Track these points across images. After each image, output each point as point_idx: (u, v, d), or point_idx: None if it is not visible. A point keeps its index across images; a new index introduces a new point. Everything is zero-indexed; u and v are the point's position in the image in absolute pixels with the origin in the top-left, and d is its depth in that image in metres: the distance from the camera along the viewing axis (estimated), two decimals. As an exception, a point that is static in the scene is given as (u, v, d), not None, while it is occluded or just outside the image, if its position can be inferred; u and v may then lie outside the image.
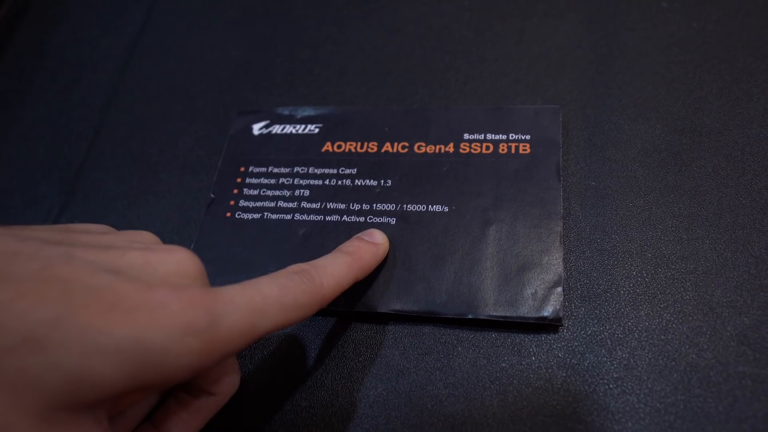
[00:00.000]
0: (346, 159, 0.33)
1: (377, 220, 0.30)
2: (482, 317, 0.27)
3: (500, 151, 0.31)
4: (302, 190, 0.32)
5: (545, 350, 0.26)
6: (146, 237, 0.22)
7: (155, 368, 0.17)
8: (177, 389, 0.24)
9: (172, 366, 0.17)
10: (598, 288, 0.27)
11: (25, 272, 0.16)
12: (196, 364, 0.18)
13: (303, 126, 0.34)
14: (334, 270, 0.24)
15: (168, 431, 0.23)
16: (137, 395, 0.20)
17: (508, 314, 0.26)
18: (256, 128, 0.35)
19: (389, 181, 0.31)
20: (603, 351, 0.26)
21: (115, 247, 0.20)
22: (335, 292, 0.24)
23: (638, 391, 0.25)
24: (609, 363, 0.26)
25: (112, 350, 0.16)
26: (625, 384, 0.25)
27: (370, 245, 0.27)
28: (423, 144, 0.32)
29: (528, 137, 0.31)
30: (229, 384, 0.24)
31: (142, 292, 0.18)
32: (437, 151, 0.32)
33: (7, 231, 0.18)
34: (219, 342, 0.18)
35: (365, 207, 0.31)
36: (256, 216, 0.32)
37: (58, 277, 0.17)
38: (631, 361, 0.25)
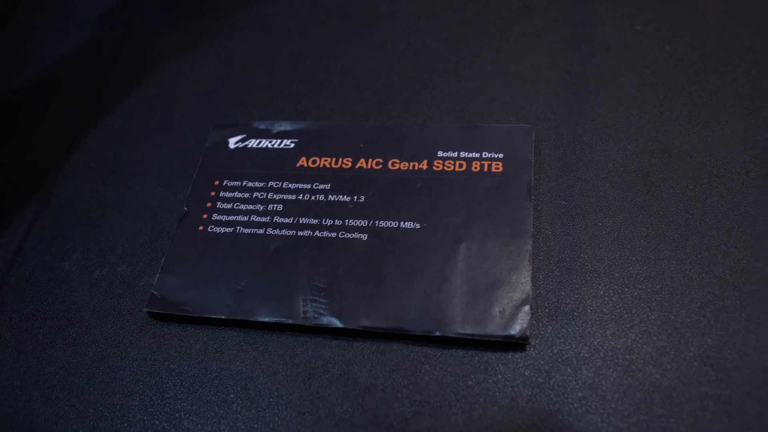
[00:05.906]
0: (321, 174, 0.33)
1: (349, 236, 0.30)
2: (450, 335, 0.27)
3: (473, 169, 0.31)
4: (275, 205, 0.32)
5: (512, 369, 0.26)
6: None
7: None
8: None
9: None
10: (566, 307, 0.28)
11: None
12: None
13: (279, 140, 0.35)
14: None
15: None
16: None
17: (475, 332, 0.27)
18: (233, 142, 0.35)
19: (362, 197, 0.31)
20: (568, 370, 0.26)
21: None
22: None
23: (602, 411, 0.25)
24: (574, 382, 0.26)
25: None
26: (589, 403, 0.25)
27: None
28: (397, 160, 0.32)
29: (501, 156, 0.32)
30: None
31: None
32: (411, 167, 0.32)
33: None
34: None
35: (337, 222, 0.31)
36: (229, 230, 0.32)
37: None
38: (596, 380, 0.26)
